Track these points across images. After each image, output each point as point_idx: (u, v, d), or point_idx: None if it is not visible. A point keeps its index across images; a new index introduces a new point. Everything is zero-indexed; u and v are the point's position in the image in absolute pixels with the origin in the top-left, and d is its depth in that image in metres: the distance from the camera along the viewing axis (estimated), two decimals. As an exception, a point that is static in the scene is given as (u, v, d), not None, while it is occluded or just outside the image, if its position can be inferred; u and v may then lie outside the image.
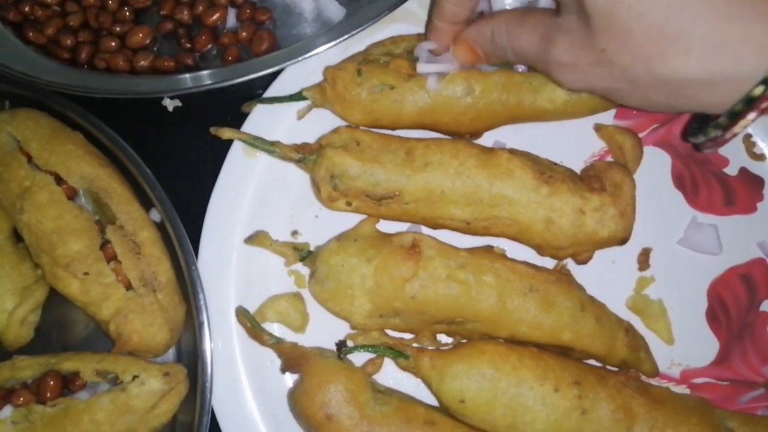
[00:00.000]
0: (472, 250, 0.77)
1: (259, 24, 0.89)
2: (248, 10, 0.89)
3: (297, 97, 0.83)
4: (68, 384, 0.74)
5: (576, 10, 0.60)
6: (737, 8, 0.54)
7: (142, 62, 0.87)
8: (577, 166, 0.84)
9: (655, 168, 0.85)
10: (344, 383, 0.71)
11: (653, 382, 0.78)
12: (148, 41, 0.88)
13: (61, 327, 0.85)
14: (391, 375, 0.80)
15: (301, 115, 0.84)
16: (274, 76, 0.84)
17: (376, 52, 0.82)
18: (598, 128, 0.84)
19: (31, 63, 0.84)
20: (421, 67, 0.77)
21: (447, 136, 0.82)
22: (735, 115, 0.58)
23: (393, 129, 0.82)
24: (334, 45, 0.81)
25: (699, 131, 0.64)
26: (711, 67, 0.56)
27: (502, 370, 0.71)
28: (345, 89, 0.79)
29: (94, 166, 0.79)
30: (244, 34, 0.87)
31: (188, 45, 0.89)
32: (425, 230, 0.80)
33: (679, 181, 0.85)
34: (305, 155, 0.79)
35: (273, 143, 0.80)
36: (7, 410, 0.73)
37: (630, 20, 0.56)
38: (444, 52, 0.77)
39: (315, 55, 0.81)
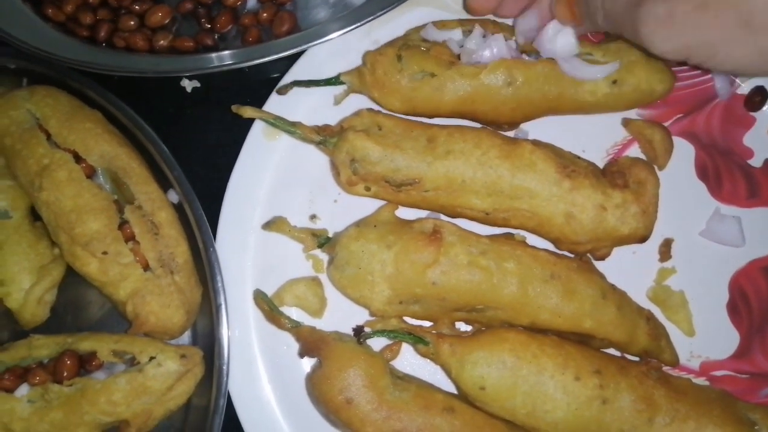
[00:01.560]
0: (493, 237, 0.76)
1: (280, 5, 0.88)
2: (269, -9, 0.87)
3: (334, 81, 0.81)
4: (85, 364, 0.74)
5: None
6: None
7: (162, 42, 0.86)
8: (600, 156, 0.84)
9: (678, 158, 0.84)
10: (364, 368, 0.71)
11: (672, 373, 0.77)
12: (167, 21, 0.87)
13: (76, 307, 0.84)
14: (408, 362, 0.79)
15: (338, 101, 0.83)
16: (294, 57, 0.83)
17: (415, 37, 0.80)
18: (627, 123, 0.83)
19: (49, 40, 0.83)
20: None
21: (478, 125, 0.81)
22: None
23: (431, 117, 0.81)
24: (356, 28, 0.80)
25: None
26: None
27: (523, 358, 0.70)
28: (385, 75, 0.77)
29: (113, 145, 0.78)
30: (264, 14, 0.86)
31: (208, 25, 0.87)
32: (443, 218, 0.79)
33: (703, 172, 0.84)
34: (326, 137, 0.78)
35: (294, 124, 0.79)
36: (24, 389, 0.72)
37: None
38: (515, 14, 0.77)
39: (336, 38, 0.80)
